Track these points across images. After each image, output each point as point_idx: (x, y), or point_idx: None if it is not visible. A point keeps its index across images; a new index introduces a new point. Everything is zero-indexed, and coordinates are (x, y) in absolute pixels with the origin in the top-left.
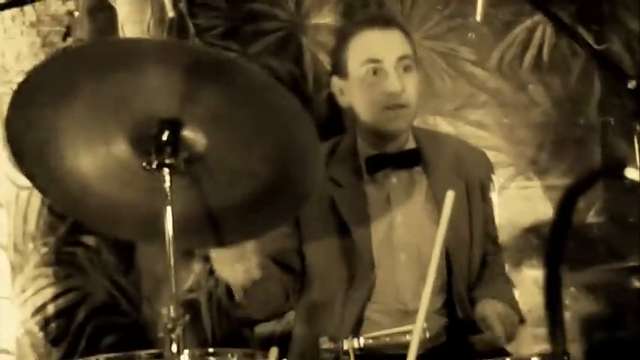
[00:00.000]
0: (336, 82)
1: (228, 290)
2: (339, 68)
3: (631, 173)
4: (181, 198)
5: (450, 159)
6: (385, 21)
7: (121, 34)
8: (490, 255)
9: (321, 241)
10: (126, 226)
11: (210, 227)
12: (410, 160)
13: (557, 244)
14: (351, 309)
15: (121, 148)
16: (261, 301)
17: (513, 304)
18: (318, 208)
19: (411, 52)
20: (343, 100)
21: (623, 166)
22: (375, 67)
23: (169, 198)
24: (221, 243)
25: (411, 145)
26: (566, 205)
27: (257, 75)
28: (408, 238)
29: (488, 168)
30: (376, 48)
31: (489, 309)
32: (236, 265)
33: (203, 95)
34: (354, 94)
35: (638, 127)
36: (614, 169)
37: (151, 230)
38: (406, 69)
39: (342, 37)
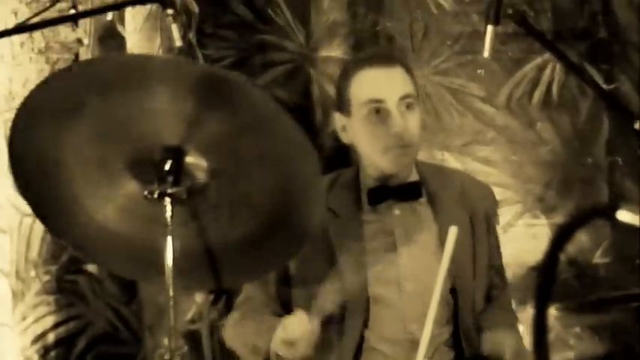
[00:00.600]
0: (338, 118)
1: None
2: (341, 105)
3: (622, 215)
4: (181, 234)
5: (455, 192)
6: (387, 59)
7: None
8: (496, 289)
9: (308, 268)
10: (125, 260)
11: (208, 267)
12: (412, 192)
13: (545, 283)
14: (347, 342)
15: (122, 176)
16: None
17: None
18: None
19: (413, 91)
20: (346, 137)
21: (616, 207)
22: (377, 107)
23: (170, 228)
24: (219, 283)
25: (414, 178)
26: (556, 245)
27: (263, 98)
28: (414, 270)
29: (493, 202)
30: (378, 87)
31: (503, 339)
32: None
33: (209, 118)
34: (356, 133)
35: None
36: (606, 209)
37: (150, 267)
38: (408, 107)
39: (345, 75)
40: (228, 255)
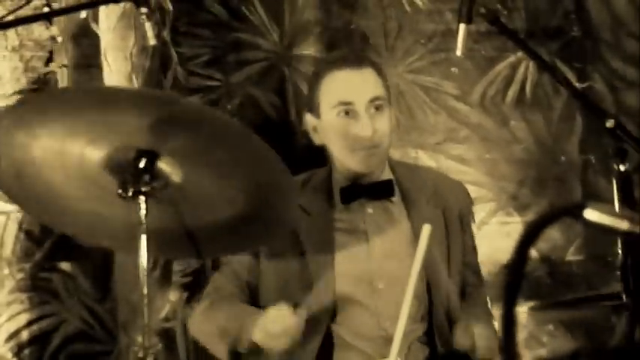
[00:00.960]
0: (309, 119)
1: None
2: (312, 107)
3: (589, 214)
4: (160, 213)
5: (428, 191)
6: (357, 60)
7: (103, 61)
8: (470, 286)
9: (276, 264)
10: (104, 237)
11: (188, 241)
12: (384, 191)
13: (514, 280)
14: (313, 336)
15: (97, 172)
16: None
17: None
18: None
19: (382, 93)
20: (317, 138)
21: (583, 206)
22: (346, 109)
23: (144, 226)
24: (199, 255)
25: (387, 176)
26: (524, 243)
27: (226, 122)
28: (387, 268)
29: (468, 200)
30: (347, 90)
31: (474, 330)
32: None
33: (176, 136)
34: (327, 134)
35: (616, 167)
36: (573, 209)
37: (128, 242)
38: (377, 109)
39: (315, 76)
40: (206, 234)
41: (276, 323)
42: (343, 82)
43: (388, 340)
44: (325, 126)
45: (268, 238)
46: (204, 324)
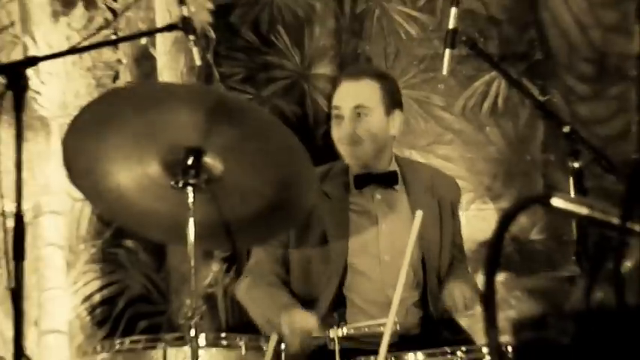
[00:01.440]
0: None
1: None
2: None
3: (556, 202)
4: (202, 209)
5: (427, 182)
6: (357, 73)
7: (159, 78)
8: (456, 261)
9: (304, 239)
10: (157, 230)
11: (225, 234)
12: (389, 179)
13: (493, 256)
14: (326, 294)
15: (153, 169)
16: None
17: (476, 288)
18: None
19: (367, 102)
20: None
21: (550, 195)
22: (336, 113)
23: (192, 211)
24: (233, 247)
25: (393, 168)
26: (502, 225)
27: (263, 115)
28: (392, 243)
29: (458, 192)
30: (339, 97)
31: (454, 287)
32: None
33: (221, 130)
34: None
35: (571, 164)
36: (543, 197)
37: (177, 234)
38: (360, 115)
39: (333, 85)
40: (239, 226)
41: (296, 327)
42: (340, 91)
43: (390, 305)
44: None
45: (292, 224)
46: (253, 306)
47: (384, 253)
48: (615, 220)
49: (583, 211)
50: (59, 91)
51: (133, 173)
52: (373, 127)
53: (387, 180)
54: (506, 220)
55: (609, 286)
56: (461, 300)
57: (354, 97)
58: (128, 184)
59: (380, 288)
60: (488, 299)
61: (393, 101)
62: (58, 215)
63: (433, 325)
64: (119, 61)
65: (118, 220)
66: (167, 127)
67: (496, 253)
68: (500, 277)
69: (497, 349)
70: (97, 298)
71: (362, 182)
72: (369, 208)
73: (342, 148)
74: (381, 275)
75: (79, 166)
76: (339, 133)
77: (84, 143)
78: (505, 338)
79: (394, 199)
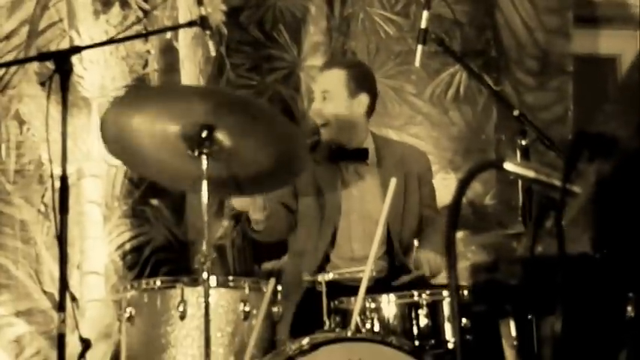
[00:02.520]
0: None
1: (249, 222)
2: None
3: (508, 165)
4: (216, 167)
5: (397, 157)
6: (330, 64)
7: (181, 67)
8: (429, 219)
9: (306, 198)
10: (178, 182)
11: (236, 186)
12: (361, 155)
13: (453, 215)
14: (318, 254)
15: (174, 141)
16: (272, 227)
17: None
18: (306, 176)
19: (331, 87)
20: None
21: (503, 160)
22: (310, 97)
23: (205, 175)
24: (242, 195)
25: (368, 145)
26: (461, 187)
27: (264, 107)
28: (360, 206)
29: (427, 164)
30: (315, 84)
31: (422, 256)
32: (247, 201)
33: (228, 116)
34: None
35: (519, 142)
36: (497, 162)
37: (194, 186)
38: (325, 99)
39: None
40: (248, 181)
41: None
42: (317, 79)
43: (354, 260)
44: None
45: (288, 181)
46: None
47: (352, 214)
48: (557, 182)
49: (530, 173)
50: (99, 76)
51: (157, 143)
52: (336, 109)
53: (357, 155)
54: (467, 177)
55: (550, 238)
56: (427, 268)
57: (322, 84)
58: (153, 151)
59: (348, 245)
60: (450, 252)
61: (358, 86)
62: (96, 178)
63: (396, 272)
64: (148, 51)
65: (145, 175)
66: (185, 111)
67: (455, 214)
68: (459, 234)
69: (455, 289)
70: (127, 246)
71: (335, 156)
72: (345, 177)
73: (318, 128)
74: (350, 234)
75: (113, 138)
76: (311, 112)
77: (117, 120)
78: (462, 282)
79: (365, 171)
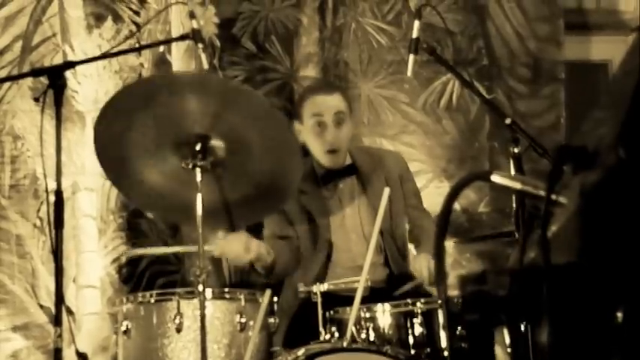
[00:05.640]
0: (296, 126)
1: (255, 271)
2: (298, 117)
3: (495, 178)
4: (207, 194)
5: (374, 163)
6: (328, 87)
7: None
8: (417, 219)
9: (299, 225)
10: (169, 210)
11: (225, 214)
12: (349, 172)
13: (443, 224)
14: (314, 267)
15: (167, 154)
16: (282, 266)
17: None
18: (294, 206)
19: (344, 109)
20: (300, 139)
21: (491, 172)
22: (319, 120)
23: (200, 188)
24: (232, 226)
25: (348, 161)
26: (450, 197)
27: (261, 100)
28: (356, 223)
29: (404, 164)
30: (320, 106)
31: (419, 263)
32: (240, 251)
33: (226, 114)
34: (307, 137)
35: (512, 150)
36: (484, 174)
37: (187, 214)
38: (340, 121)
39: (300, 97)
40: (237, 206)
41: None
42: (317, 101)
43: (359, 269)
44: (305, 131)
45: (278, 205)
46: None
47: (350, 232)
48: (543, 193)
49: (517, 185)
50: (92, 90)
51: (149, 158)
52: (349, 133)
53: (346, 173)
54: (455, 189)
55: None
56: (426, 274)
57: (335, 106)
58: (152, 178)
59: (350, 258)
60: (439, 258)
61: (351, 111)
62: (91, 191)
63: (396, 280)
64: (141, 65)
65: (135, 202)
66: (179, 116)
67: (445, 223)
68: (453, 241)
69: (445, 300)
70: (123, 259)
71: (328, 178)
72: (337, 198)
73: (323, 156)
74: (350, 249)
75: (107, 151)
76: (322, 139)
77: (110, 133)
78: (454, 292)
79: (352, 186)
